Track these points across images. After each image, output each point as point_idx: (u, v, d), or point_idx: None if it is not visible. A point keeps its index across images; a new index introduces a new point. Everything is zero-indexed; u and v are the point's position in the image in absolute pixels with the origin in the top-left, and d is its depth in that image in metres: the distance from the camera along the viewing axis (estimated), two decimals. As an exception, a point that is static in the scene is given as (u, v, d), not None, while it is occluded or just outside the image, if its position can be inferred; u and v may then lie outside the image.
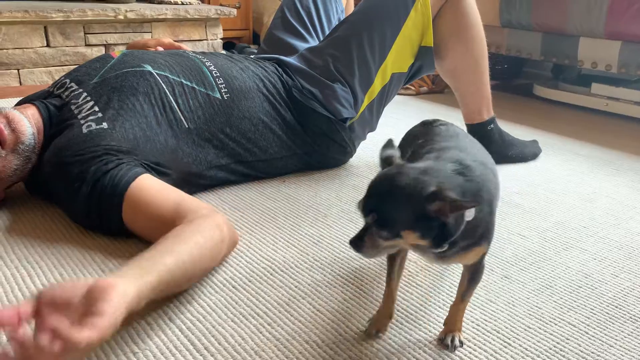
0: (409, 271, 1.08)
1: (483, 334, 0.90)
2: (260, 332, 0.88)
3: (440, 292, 1.02)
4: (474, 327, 0.91)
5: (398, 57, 1.56)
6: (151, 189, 1.12)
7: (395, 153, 0.77)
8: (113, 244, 1.14)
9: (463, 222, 0.69)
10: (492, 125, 1.67)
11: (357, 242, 0.71)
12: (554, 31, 2.41)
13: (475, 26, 1.58)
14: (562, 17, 2.33)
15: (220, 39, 3.25)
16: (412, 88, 2.64)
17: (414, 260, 1.12)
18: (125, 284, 0.76)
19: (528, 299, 1.00)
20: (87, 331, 0.68)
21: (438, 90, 2.70)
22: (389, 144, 0.79)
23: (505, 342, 0.88)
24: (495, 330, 0.91)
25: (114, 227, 1.13)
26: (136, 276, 0.80)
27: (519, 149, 1.73)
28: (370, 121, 1.62)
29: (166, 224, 1.02)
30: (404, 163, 0.75)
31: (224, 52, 3.24)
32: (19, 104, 1.36)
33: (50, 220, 1.24)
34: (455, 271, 1.08)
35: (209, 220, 1.01)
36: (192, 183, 1.36)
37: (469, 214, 0.69)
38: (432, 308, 0.96)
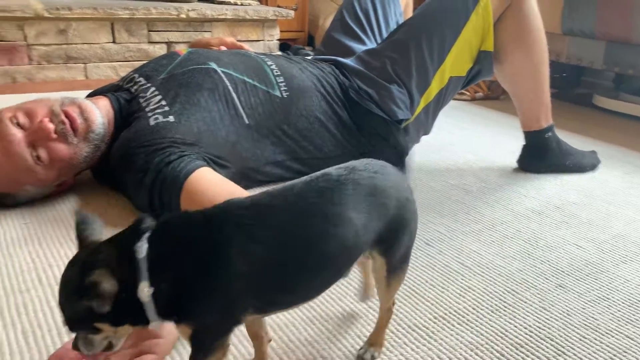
0: (462, 275, 1.08)
1: (536, 340, 0.89)
2: (314, 324, 0.91)
3: (493, 296, 1.01)
4: (526, 333, 0.91)
5: (457, 61, 1.55)
6: (208, 181, 1.16)
7: (89, 230, 0.65)
8: (173, 233, 1.18)
9: (143, 301, 0.59)
10: (550, 133, 1.64)
11: (75, 344, 0.63)
12: (619, 40, 2.34)
13: (537, 32, 1.56)
14: (627, 26, 2.26)
15: (277, 40, 3.31)
16: (468, 93, 2.62)
17: (467, 266, 1.12)
18: None
19: (584, 309, 0.98)
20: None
21: (494, 97, 2.67)
22: (82, 220, 0.66)
23: (559, 350, 0.87)
24: (548, 337, 0.90)
25: (175, 217, 1.17)
26: None
27: (576, 159, 1.69)
28: (425, 124, 1.63)
29: None
30: (90, 243, 0.64)
31: (279, 52, 3.29)
32: (90, 95, 1.43)
33: (115, 207, 1.31)
34: (512, 276, 1.08)
35: None
36: (250, 177, 1.40)
37: (143, 294, 0.59)
38: (485, 312, 0.96)
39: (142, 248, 0.60)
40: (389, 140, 1.55)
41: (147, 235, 0.61)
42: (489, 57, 1.56)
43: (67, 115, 1.26)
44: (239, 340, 0.85)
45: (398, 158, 1.62)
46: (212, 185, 1.14)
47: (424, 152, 1.79)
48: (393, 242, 0.74)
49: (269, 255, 0.63)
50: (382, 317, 0.82)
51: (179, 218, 0.65)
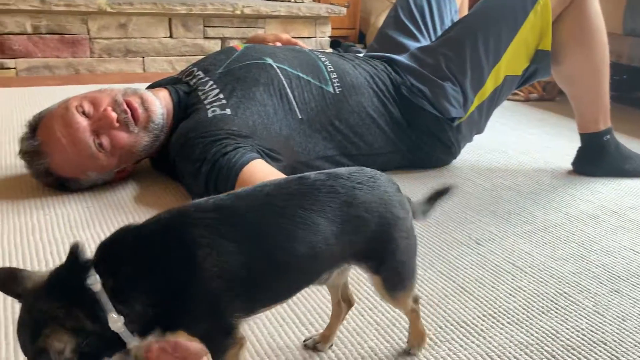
0: (513, 276, 1.07)
1: (589, 344, 0.88)
2: (362, 315, 0.92)
3: (544, 298, 1.00)
4: (578, 336, 0.89)
5: (513, 60, 1.53)
6: (262, 173, 1.18)
7: (15, 282, 0.60)
8: (226, 221, 1.22)
9: (118, 331, 0.58)
10: (608, 136, 1.59)
11: None
12: (685, 41, 2.24)
13: (599, 31, 1.52)
14: (695, 27, 2.16)
15: (328, 37, 3.33)
16: (522, 94, 2.57)
17: (518, 266, 1.11)
18: None
19: (640, 315, 0.96)
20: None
21: (549, 98, 2.60)
22: (11, 275, 0.61)
23: (613, 355, 0.85)
24: (602, 341, 0.88)
25: (228, 206, 1.21)
26: None
27: (636, 163, 1.63)
28: (478, 123, 1.61)
29: None
30: (28, 293, 0.59)
31: (330, 50, 3.31)
32: (151, 87, 1.49)
33: (172, 194, 1.36)
34: (565, 278, 1.06)
35: None
36: (300, 171, 1.40)
37: (116, 325, 0.57)
38: (535, 313, 0.95)
39: (95, 281, 0.57)
40: (441, 138, 1.55)
41: (92, 266, 0.58)
42: (547, 56, 1.54)
43: (129, 105, 1.31)
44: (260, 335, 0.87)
45: (447, 156, 1.63)
46: (265, 177, 1.17)
47: (476, 151, 1.77)
48: (382, 260, 0.70)
49: (237, 255, 0.60)
50: (409, 318, 0.81)
51: (124, 238, 0.61)
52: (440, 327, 0.90)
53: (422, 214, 0.79)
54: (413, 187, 1.48)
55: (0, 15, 2.54)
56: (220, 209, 0.62)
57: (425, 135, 1.54)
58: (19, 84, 2.45)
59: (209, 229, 0.60)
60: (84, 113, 1.29)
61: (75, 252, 0.59)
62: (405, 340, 0.86)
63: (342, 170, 0.70)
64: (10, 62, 2.62)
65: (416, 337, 0.83)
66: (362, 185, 0.68)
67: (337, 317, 0.82)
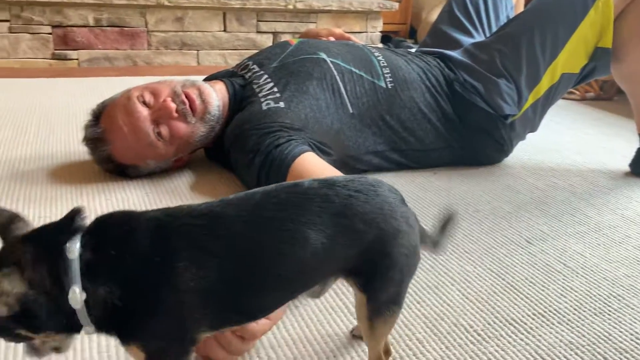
0: (564, 276, 1.06)
1: (643, 348, 0.86)
2: (410, 309, 0.93)
3: (596, 299, 0.98)
4: (632, 339, 0.88)
5: (570, 57, 1.50)
6: (313, 165, 1.21)
7: (10, 227, 0.58)
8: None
9: (74, 308, 0.55)
10: (669, 138, 1.54)
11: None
12: None
13: (663, 29, 1.47)
14: None
15: (379, 32, 3.33)
16: (577, 93, 2.50)
17: (570, 267, 1.09)
18: None
19: (698, 322, 0.93)
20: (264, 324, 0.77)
21: (606, 97, 2.53)
22: (10, 221, 0.59)
23: (667, 360, 0.84)
24: (657, 346, 0.87)
25: (280, 196, 1.24)
26: None
27: (698, 166, 1.58)
28: (532, 121, 1.59)
29: None
30: (12, 239, 0.57)
31: (380, 44, 3.31)
32: (207, 79, 1.53)
33: (226, 184, 1.40)
34: (619, 281, 1.04)
35: None
36: (350, 165, 1.44)
37: (75, 299, 0.54)
38: (587, 314, 0.94)
39: (74, 248, 0.54)
40: (493, 135, 1.53)
41: (80, 233, 0.56)
42: (607, 54, 1.50)
43: (187, 96, 1.36)
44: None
45: (499, 154, 1.61)
46: (316, 170, 1.19)
47: (529, 150, 1.74)
48: (374, 277, 0.64)
49: (218, 270, 0.57)
50: None
51: (120, 219, 0.59)
52: (489, 324, 0.90)
53: (434, 245, 0.74)
54: (463, 184, 1.47)
55: (65, 8, 2.66)
56: (208, 216, 0.59)
57: (477, 132, 1.53)
58: (81, 75, 2.56)
59: (194, 240, 0.57)
60: (144, 103, 1.34)
61: (73, 214, 0.57)
62: (455, 334, 0.87)
63: (340, 177, 0.65)
64: (72, 54, 2.74)
65: None
66: (359, 194, 0.62)
67: None
